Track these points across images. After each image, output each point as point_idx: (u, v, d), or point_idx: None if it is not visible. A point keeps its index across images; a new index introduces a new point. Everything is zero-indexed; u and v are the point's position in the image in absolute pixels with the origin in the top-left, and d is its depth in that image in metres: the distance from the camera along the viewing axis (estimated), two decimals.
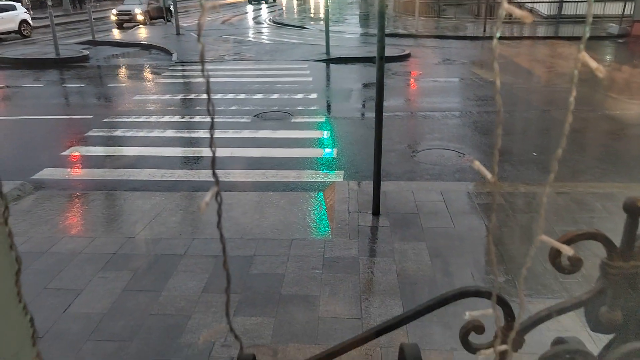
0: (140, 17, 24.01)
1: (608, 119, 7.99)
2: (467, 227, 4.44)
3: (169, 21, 24.92)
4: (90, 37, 18.51)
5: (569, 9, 19.78)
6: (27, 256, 4.07)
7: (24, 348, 0.57)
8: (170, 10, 24.66)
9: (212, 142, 0.37)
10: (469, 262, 3.92)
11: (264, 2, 41.85)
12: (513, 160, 6.32)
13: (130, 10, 24.14)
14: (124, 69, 13.89)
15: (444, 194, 5.11)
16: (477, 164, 0.40)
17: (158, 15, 25.68)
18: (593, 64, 0.36)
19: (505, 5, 0.37)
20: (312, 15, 30.80)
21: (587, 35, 0.37)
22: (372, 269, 3.89)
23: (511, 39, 17.13)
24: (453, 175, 5.95)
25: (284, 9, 37.63)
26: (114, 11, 24.56)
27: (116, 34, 21.40)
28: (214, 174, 0.37)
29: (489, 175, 0.39)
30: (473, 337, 0.94)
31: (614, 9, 17.57)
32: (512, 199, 4.97)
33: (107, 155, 6.98)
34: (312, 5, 40.76)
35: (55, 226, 4.67)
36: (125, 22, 24.05)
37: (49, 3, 15.23)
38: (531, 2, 22.92)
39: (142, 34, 21.17)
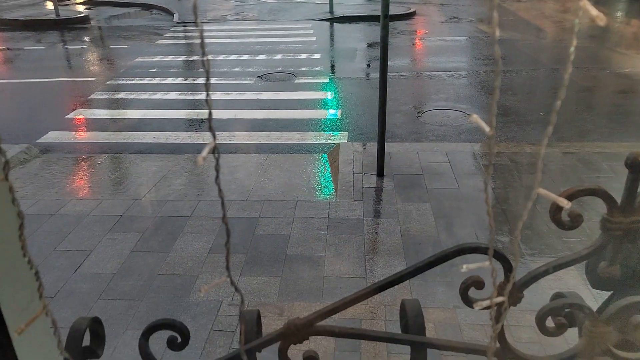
0: None
1: (616, 76, 7.86)
2: (471, 188, 4.45)
3: None
4: None
5: None
6: (35, 219, 4.12)
7: (34, 301, 0.58)
8: None
9: (208, 94, 0.36)
10: (473, 222, 3.94)
11: None
12: (520, 120, 6.27)
13: None
14: (125, 30, 13.69)
15: (449, 155, 5.10)
16: (475, 117, 0.40)
17: None
18: (593, 11, 0.35)
19: None
20: None
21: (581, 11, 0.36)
22: (376, 229, 3.93)
23: None
24: (459, 136, 5.92)
25: None
26: None
27: None
28: (211, 128, 0.37)
29: (487, 128, 0.39)
30: (473, 293, 0.95)
31: None
32: (518, 159, 4.95)
33: (111, 118, 6.97)
34: None
35: (62, 189, 4.71)
36: None
37: None
38: None
39: None
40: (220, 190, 0.39)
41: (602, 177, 4.54)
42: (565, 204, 0.46)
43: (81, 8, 16.58)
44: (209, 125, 0.38)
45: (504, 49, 9.70)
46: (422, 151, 5.24)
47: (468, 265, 0.46)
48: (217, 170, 0.39)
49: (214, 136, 0.36)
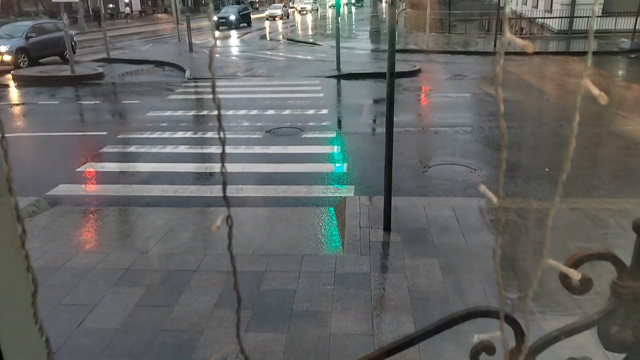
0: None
1: (620, 135, 7.93)
2: (479, 243, 4.41)
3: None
4: (105, 55, 18.82)
5: (579, 24, 19.76)
6: (42, 272, 4.11)
7: None
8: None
9: (223, 164, 0.38)
10: (481, 278, 3.89)
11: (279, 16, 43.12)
12: (525, 175, 6.29)
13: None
14: (138, 85, 14.09)
15: (455, 209, 5.09)
16: (483, 188, 0.41)
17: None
18: (595, 91, 0.37)
19: (508, 35, 0.38)
20: (323, 31, 31.06)
21: (589, 63, 0.38)
22: (383, 285, 3.88)
23: (522, 55, 17.12)
24: (465, 191, 5.93)
25: (297, 25, 38.03)
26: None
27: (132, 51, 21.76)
28: (225, 198, 0.39)
29: (494, 198, 0.40)
30: (485, 357, 0.94)
31: (626, 24, 17.52)
32: (525, 214, 4.93)
33: (121, 172, 7.06)
34: (324, 21, 41.14)
35: (69, 242, 4.72)
36: (221, 25, 31.28)
37: (65, 22, 15.54)
38: (542, 18, 22.93)
39: (157, 51, 21.48)
40: (232, 258, 0.40)
41: (609, 234, 4.49)
42: (574, 275, 0.47)
43: (96, 65, 17.12)
44: (224, 194, 0.39)
45: (507, 107, 9.87)
46: (428, 205, 5.24)
47: (479, 335, 0.46)
48: (230, 238, 0.41)
49: (228, 205, 0.38)
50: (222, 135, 0.37)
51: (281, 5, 48.23)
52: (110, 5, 52.03)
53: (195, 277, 4.02)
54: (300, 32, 31.72)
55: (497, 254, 0.43)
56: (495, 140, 7.88)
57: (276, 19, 42.75)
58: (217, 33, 0.38)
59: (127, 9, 54.90)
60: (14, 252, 0.45)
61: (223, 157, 0.37)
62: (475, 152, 7.41)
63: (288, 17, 46.49)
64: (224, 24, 32.14)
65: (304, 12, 52.97)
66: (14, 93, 13.37)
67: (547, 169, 6.60)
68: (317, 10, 57.30)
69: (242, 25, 34.37)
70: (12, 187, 0.41)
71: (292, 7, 58.98)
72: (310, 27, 35.77)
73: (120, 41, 26.42)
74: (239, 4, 47.97)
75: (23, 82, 14.47)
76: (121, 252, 4.49)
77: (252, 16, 42.97)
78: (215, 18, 29.00)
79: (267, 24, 39.03)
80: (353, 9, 55.43)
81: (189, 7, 21.84)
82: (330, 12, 51.45)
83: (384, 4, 36.76)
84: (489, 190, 0.43)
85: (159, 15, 55.01)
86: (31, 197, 5.65)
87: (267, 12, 44.58)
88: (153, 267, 4.22)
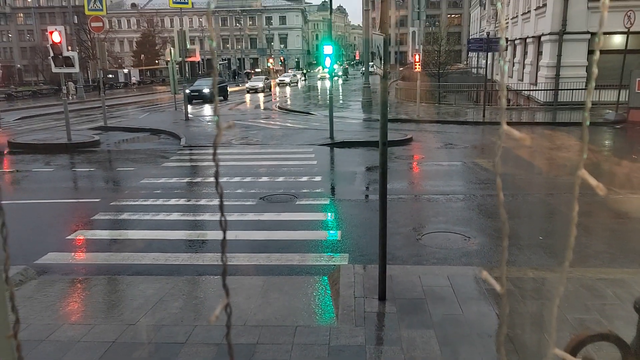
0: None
1: (611, 204, 8.01)
2: (476, 314, 4.33)
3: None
4: (102, 123, 19.13)
5: (564, 97, 20.46)
6: (25, 344, 3.93)
7: None
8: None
9: (224, 255, 0.38)
10: (479, 350, 3.78)
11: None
12: (520, 244, 6.27)
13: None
14: (133, 153, 14.23)
15: (451, 278, 5.03)
16: (485, 275, 0.41)
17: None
18: (593, 182, 0.38)
19: (505, 127, 0.39)
20: (317, 101, 31.92)
21: (585, 156, 0.39)
22: (379, 358, 3.75)
23: (510, 125, 17.54)
24: (460, 259, 5.89)
25: (289, 96, 39.06)
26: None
27: (138, 117, 22.15)
28: (225, 286, 0.38)
29: (497, 286, 0.40)
30: None
31: (609, 96, 18.16)
32: (521, 284, 4.87)
33: (112, 239, 6.98)
34: (317, 92, 42.27)
35: (55, 312, 4.58)
36: (194, 99, 29.24)
37: (64, 91, 15.90)
38: (528, 90, 23.74)
39: (153, 119, 21.88)
40: (230, 349, 0.38)
41: (607, 305, 4.43)
42: None
43: (93, 133, 17.35)
44: (223, 282, 0.38)
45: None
46: (424, 274, 5.18)
47: None
48: (229, 328, 0.39)
49: (227, 293, 0.37)
50: (223, 220, 0.37)
51: (263, 77, 46.51)
52: (110, 76, 53.51)
53: (183, 351, 3.88)
54: (291, 102, 32.53)
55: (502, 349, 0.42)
56: (488, 208, 7.92)
57: (257, 91, 41.15)
58: (223, 123, 0.38)
59: (134, 79, 56.72)
60: (4, 342, 0.44)
61: (224, 245, 0.37)
62: (468, 219, 7.43)
63: (270, 89, 44.67)
64: (197, 97, 29.95)
65: (282, 84, 50.75)
66: (8, 160, 13.43)
67: (541, 238, 6.60)
68: (297, 83, 55.06)
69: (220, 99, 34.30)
70: (8, 275, 0.40)
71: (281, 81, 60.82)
72: (294, 98, 36.72)
73: (118, 110, 27.00)
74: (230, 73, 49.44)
75: (19, 150, 14.58)
76: (108, 323, 4.35)
77: (235, 88, 43.19)
78: (187, 91, 28.79)
79: (247, 97, 37.64)
80: (340, 80, 57.12)
81: (186, 77, 22.47)
82: (319, 84, 52.97)
83: (376, 76, 38.02)
84: (486, 259, 0.43)
85: (157, 86, 56.47)
86: (19, 265, 5.54)
87: (247, 85, 42.79)
88: (140, 340, 4.07)
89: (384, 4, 4.19)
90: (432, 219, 7.55)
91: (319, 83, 54.29)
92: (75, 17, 46.67)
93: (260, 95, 38.41)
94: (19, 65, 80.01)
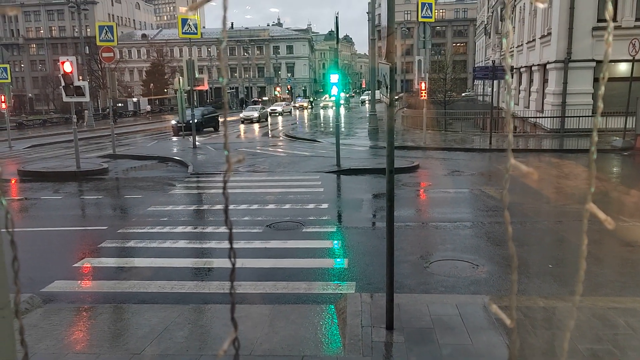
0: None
1: (621, 230, 7.93)
2: (486, 344, 4.25)
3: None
4: (111, 151, 19.32)
5: (570, 124, 20.47)
6: None
7: None
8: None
9: (232, 289, 0.38)
10: None
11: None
12: (529, 272, 6.20)
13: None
14: (141, 180, 14.32)
15: (460, 307, 4.96)
16: (495, 309, 0.41)
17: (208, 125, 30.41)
18: (601, 215, 0.38)
19: (512, 161, 0.39)
20: (323, 129, 32.13)
21: (592, 189, 0.39)
22: None
23: (517, 152, 17.56)
24: (468, 287, 5.81)
25: (297, 122, 39.35)
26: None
27: (147, 145, 22.36)
28: (233, 320, 0.38)
29: (507, 320, 0.39)
30: None
31: (616, 123, 18.15)
32: (532, 313, 4.80)
33: (118, 267, 6.97)
34: (323, 119, 42.55)
35: (60, 342, 4.55)
36: (181, 130, 27.12)
37: (74, 120, 16.12)
38: (534, 117, 23.80)
39: (162, 147, 22.08)
40: None
41: (619, 335, 4.34)
42: None
43: (102, 161, 17.51)
44: (231, 316, 0.38)
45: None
46: (431, 303, 5.12)
47: None
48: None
49: (236, 327, 0.37)
50: (232, 259, 0.37)
51: (258, 107, 44.74)
52: (119, 104, 54.27)
53: None
54: (298, 129, 32.71)
55: None
56: (496, 235, 7.86)
57: (252, 121, 39.26)
58: (233, 157, 0.39)
59: (148, 107, 57.65)
60: None
61: (232, 277, 0.37)
62: (476, 247, 7.36)
63: (267, 119, 42.59)
64: (181, 128, 27.44)
65: (274, 113, 48.76)
66: (18, 188, 13.54)
67: (550, 266, 6.52)
68: (289, 112, 53.91)
69: (206, 129, 30.45)
70: (19, 309, 0.40)
71: (293, 106, 61.57)
72: (293, 127, 36.92)
73: (127, 138, 27.27)
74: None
75: (28, 177, 14.72)
76: (113, 352, 4.31)
77: (230, 117, 41.96)
78: (172, 122, 28.09)
79: (241, 127, 35.72)
80: (342, 108, 57.74)
81: (194, 106, 22.78)
82: (321, 112, 53.47)
83: (382, 104, 38.21)
84: (496, 291, 0.42)
85: (165, 115, 57.14)
86: (25, 294, 5.53)
87: (242, 115, 40.58)
88: None
89: (391, 38, 4.25)
90: (439, 246, 7.50)
91: (321, 112, 54.67)
92: (87, 47, 47.65)
93: (256, 126, 36.66)
94: (30, 95, 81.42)
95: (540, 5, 0.49)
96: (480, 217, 9.07)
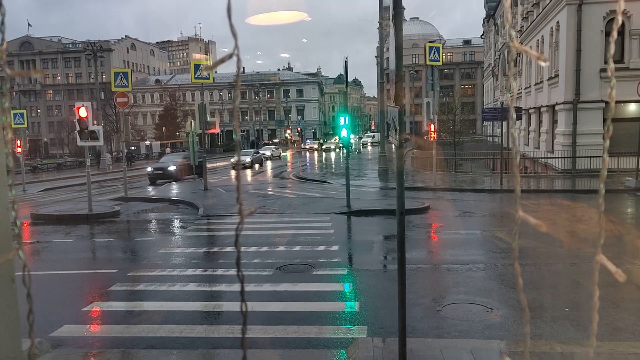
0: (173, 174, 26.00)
1: (638, 274, 7.76)
2: None
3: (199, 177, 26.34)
4: (123, 194, 19.49)
5: (582, 164, 20.40)
6: None
7: None
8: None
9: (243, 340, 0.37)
10: None
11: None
12: (545, 316, 6.05)
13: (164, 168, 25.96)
14: (152, 223, 14.36)
15: (474, 352, 4.83)
16: None
17: (189, 172, 27.35)
18: (612, 267, 0.37)
19: (521, 214, 0.39)
20: (333, 170, 32.27)
21: (601, 241, 0.39)
22: None
23: (528, 192, 17.46)
24: (482, 332, 5.67)
25: (308, 164, 39.59)
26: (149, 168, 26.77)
27: (149, 190, 22.55)
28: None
29: None
30: None
31: (628, 163, 18.06)
32: (549, 359, 4.65)
33: (127, 311, 6.91)
34: (333, 161, 42.78)
35: None
36: (159, 178, 25.73)
37: (88, 163, 16.36)
38: (545, 158, 23.77)
39: (173, 189, 22.26)
40: None
41: None
42: None
43: (114, 203, 17.65)
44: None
45: (520, 253, 9.80)
46: (445, 348, 4.99)
47: None
48: None
49: None
50: (243, 309, 0.37)
51: (252, 150, 41.40)
52: (132, 148, 55.14)
53: None
54: (309, 171, 32.85)
55: None
56: (509, 278, 7.71)
57: (245, 167, 35.25)
58: (245, 210, 0.39)
59: (168, 149, 58.50)
60: None
61: (244, 330, 0.37)
62: (490, 290, 7.23)
63: (262, 164, 39.89)
64: (161, 176, 25.33)
65: (272, 157, 46.86)
66: (30, 231, 13.63)
67: (567, 309, 6.36)
68: (279, 156, 50.34)
69: (188, 177, 26.26)
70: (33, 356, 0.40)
71: (304, 148, 62.25)
72: (318, 166, 37.07)
73: (139, 180, 27.53)
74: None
75: (41, 221, 14.83)
76: None
77: (220, 163, 39.54)
78: (148, 169, 26.09)
79: (232, 173, 31.26)
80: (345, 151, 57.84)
81: (206, 148, 23.13)
82: (323, 155, 53.75)
83: (392, 146, 38.24)
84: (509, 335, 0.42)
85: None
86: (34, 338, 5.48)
87: (233, 159, 35.39)
88: None
89: (399, 84, 4.32)
90: (452, 289, 7.37)
91: (323, 154, 54.71)
92: (102, 92, 48.88)
93: (248, 172, 33.04)
94: (45, 139, 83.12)
95: (543, 64, 0.50)
96: (493, 259, 8.94)
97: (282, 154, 53.09)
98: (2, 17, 0.60)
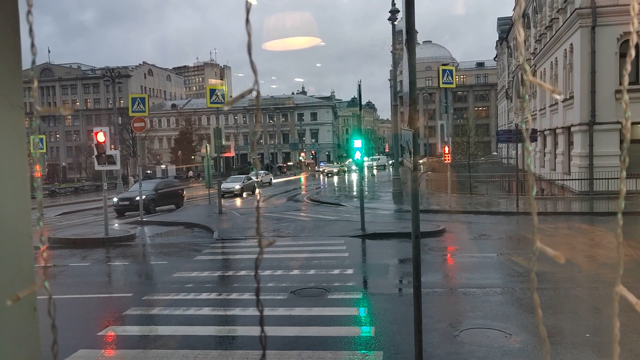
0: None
1: None
2: None
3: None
4: (138, 217, 19.64)
5: (600, 186, 20.14)
6: None
7: None
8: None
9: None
10: None
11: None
12: (566, 342, 5.91)
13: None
14: (167, 246, 14.42)
15: None
16: None
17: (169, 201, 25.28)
18: (632, 299, 0.37)
19: (538, 244, 0.39)
20: (347, 193, 32.23)
21: (621, 272, 0.39)
22: None
23: (546, 215, 17.24)
24: (501, 358, 5.56)
25: (322, 187, 39.59)
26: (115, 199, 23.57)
27: (161, 214, 22.70)
28: None
29: None
30: None
31: None
32: None
33: (142, 335, 6.90)
34: (347, 183, 42.73)
35: None
36: (127, 210, 23.06)
37: (105, 187, 16.56)
38: (562, 180, 23.52)
39: (188, 213, 22.38)
40: None
41: None
42: None
43: (130, 227, 17.79)
44: None
45: (539, 277, 9.64)
46: None
47: None
48: None
49: None
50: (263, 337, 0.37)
51: (243, 176, 36.34)
52: (148, 172, 55.77)
53: None
54: (322, 193, 32.84)
55: None
56: (528, 302, 7.57)
57: (234, 194, 31.90)
58: (263, 241, 0.40)
59: (191, 173, 58.83)
60: None
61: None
62: (508, 315, 7.10)
63: (254, 191, 33.56)
64: (127, 208, 22.74)
65: (262, 183, 40.88)
66: (47, 255, 13.76)
67: (587, 335, 6.21)
68: (269, 182, 44.62)
69: (162, 207, 24.08)
70: None
71: (317, 170, 62.02)
72: (334, 188, 37.01)
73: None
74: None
75: (57, 245, 14.98)
76: None
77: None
78: (114, 200, 22.97)
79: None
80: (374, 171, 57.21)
81: (221, 172, 23.33)
82: (324, 178, 53.18)
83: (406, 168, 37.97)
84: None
85: (192, 182, 58.19)
86: None
87: (223, 185, 28.00)
88: None
89: (412, 107, 4.34)
90: (469, 313, 7.25)
91: (325, 178, 54.06)
92: (120, 117, 49.71)
93: (237, 201, 29.72)
94: (64, 164, 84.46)
95: (557, 97, 0.51)
96: (510, 283, 8.80)
97: (273, 180, 46.41)
98: (34, 57, 0.63)
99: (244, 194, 32.65)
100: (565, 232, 14.23)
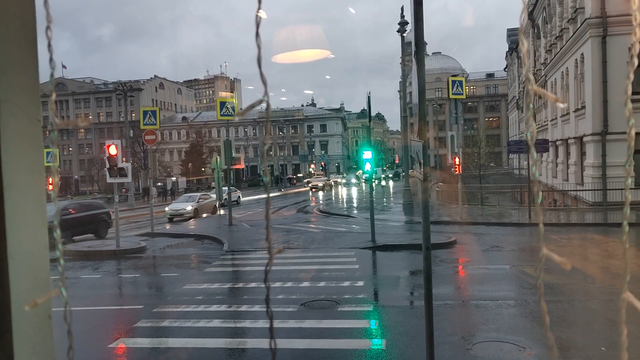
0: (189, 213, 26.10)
1: None
2: None
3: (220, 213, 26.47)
4: (149, 229, 19.72)
5: (613, 197, 19.90)
6: None
7: None
8: (224, 204, 26.42)
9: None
10: None
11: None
12: (581, 355, 5.82)
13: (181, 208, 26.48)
14: (177, 258, 14.45)
15: None
16: None
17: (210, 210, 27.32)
18: None
19: (545, 251, 0.38)
20: (357, 204, 32.16)
21: (627, 278, 0.38)
22: None
23: (558, 226, 17.07)
24: None
25: (333, 199, 39.53)
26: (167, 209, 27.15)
27: (171, 226, 22.78)
28: None
29: None
30: None
31: None
32: None
33: (152, 348, 6.89)
34: (357, 195, 42.62)
35: None
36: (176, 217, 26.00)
37: (116, 200, 16.66)
38: (575, 190, 23.28)
39: (198, 225, 22.43)
40: None
41: None
42: None
43: (140, 239, 17.85)
44: None
45: (551, 289, 9.53)
46: None
47: None
48: None
49: None
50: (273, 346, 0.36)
51: (197, 194, 30.30)
52: (159, 184, 56.06)
53: None
54: (332, 205, 32.77)
55: None
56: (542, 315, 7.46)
57: (185, 218, 25.97)
58: (274, 249, 0.39)
59: (215, 185, 58.41)
60: None
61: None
62: (521, 327, 7.00)
63: (214, 212, 27.92)
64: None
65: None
66: (59, 268, 13.85)
67: (603, 348, 6.10)
68: (237, 200, 33.43)
69: (79, 236, 18.40)
70: None
71: (328, 179, 60.89)
72: (342, 200, 36.89)
73: (165, 216, 27.79)
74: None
75: (69, 257, 15.06)
76: None
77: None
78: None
79: (167, 226, 23.31)
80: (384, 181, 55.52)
81: (231, 183, 23.43)
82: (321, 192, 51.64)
83: (417, 179, 37.67)
84: None
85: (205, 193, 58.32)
86: None
87: (168, 209, 27.00)
88: None
89: (421, 122, 4.33)
90: (482, 326, 7.16)
91: (321, 192, 52.73)
92: (131, 130, 50.16)
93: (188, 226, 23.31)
94: (76, 176, 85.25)
95: (561, 106, 0.50)
96: (523, 296, 8.69)
97: (242, 199, 37.50)
98: (52, 71, 0.63)
99: (204, 215, 27.29)
100: (578, 242, 14.07)
